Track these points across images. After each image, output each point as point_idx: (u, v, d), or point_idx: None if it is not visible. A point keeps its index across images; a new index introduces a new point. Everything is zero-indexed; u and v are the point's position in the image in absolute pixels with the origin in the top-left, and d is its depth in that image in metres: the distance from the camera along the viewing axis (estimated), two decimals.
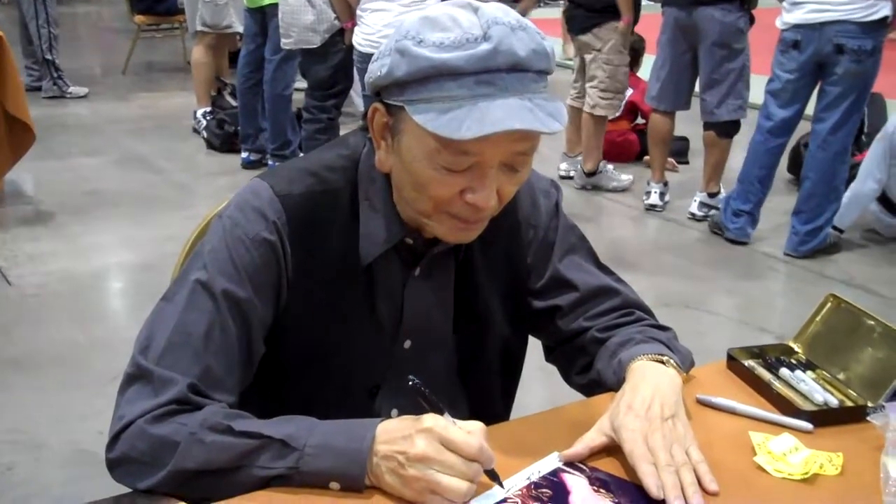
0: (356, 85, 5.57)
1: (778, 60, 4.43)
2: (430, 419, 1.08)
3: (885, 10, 4.09)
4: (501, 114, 1.09)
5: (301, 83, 5.66)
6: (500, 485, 1.10)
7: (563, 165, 5.86)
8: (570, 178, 5.73)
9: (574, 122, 5.67)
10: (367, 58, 4.09)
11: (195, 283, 1.21)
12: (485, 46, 1.09)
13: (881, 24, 4.14)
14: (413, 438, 1.06)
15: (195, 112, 6.53)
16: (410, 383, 1.12)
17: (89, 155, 5.93)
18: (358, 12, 4.25)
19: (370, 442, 1.08)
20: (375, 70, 1.17)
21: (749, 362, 1.46)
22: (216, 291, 1.20)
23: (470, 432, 1.08)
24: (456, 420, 1.10)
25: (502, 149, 1.14)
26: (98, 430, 1.18)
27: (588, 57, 5.37)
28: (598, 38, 5.25)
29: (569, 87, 5.72)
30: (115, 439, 1.14)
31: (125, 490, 1.14)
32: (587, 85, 5.42)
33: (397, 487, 1.07)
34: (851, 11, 4.11)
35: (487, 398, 1.46)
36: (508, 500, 1.10)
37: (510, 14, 1.13)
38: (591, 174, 5.57)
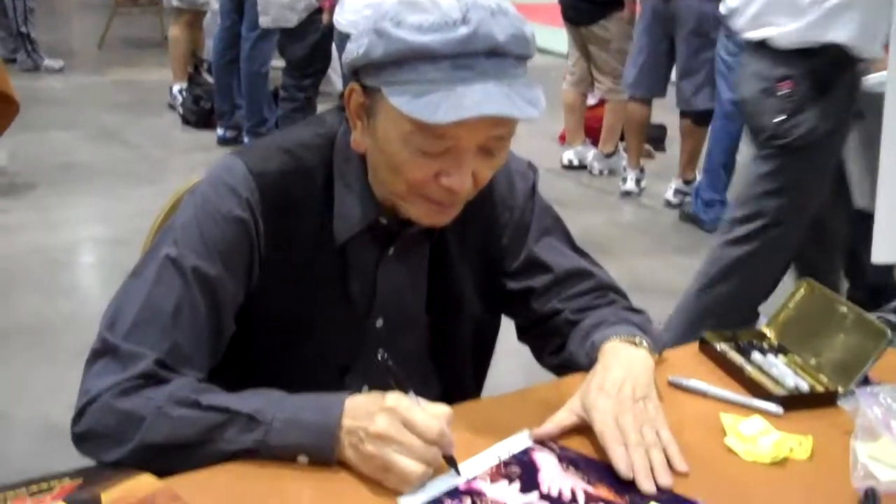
0: (335, 64, 5.53)
1: (723, 44, 4.43)
2: (394, 398, 1.08)
3: None
4: (478, 98, 1.08)
5: (279, 61, 5.62)
6: (457, 471, 1.09)
7: (568, 155, 5.73)
8: (577, 167, 5.66)
9: (574, 109, 5.64)
10: (346, 38, 4.06)
11: (165, 258, 1.19)
12: (463, 30, 1.08)
13: None
14: (375, 416, 1.06)
15: (171, 88, 6.46)
16: (380, 357, 1.12)
17: (63, 128, 5.85)
18: None
19: (339, 416, 1.08)
20: (353, 50, 1.16)
21: (721, 346, 1.47)
22: (186, 268, 1.18)
23: (434, 416, 1.07)
24: (422, 401, 1.09)
25: (479, 133, 1.14)
26: (66, 404, 1.16)
27: (594, 47, 5.37)
28: (607, 30, 5.27)
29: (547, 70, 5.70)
30: (80, 413, 1.13)
31: (92, 463, 1.13)
32: (599, 74, 5.42)
33: (355, 462, 1.07)
34: None
35: (459, 377, 1.46)
36: (477, 478, 1.10)
37: None
38: (610, 155, 5.58)
